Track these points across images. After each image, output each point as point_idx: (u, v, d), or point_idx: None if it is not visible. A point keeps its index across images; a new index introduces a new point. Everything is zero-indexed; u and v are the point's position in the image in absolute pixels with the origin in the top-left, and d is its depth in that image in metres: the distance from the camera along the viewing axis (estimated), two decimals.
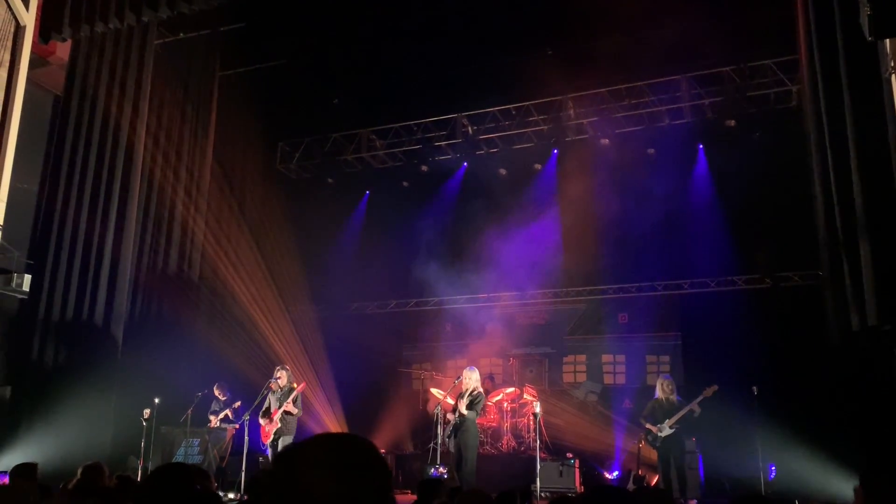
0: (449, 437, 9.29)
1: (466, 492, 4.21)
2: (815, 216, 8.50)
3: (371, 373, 13.56)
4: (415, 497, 7.33)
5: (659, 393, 9.30)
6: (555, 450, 11.23)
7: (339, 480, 1.26)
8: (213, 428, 10.78)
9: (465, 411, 9.05)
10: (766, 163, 10.99)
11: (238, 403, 10.85)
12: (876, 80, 7.59)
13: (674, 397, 9.19)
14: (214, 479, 6.33)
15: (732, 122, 11.68)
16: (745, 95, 11.46)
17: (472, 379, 9.34)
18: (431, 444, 10.05)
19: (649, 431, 9.11)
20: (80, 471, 4.72)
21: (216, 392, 11.01)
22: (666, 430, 8.97)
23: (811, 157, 8.51)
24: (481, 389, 9.40)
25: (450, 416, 9.32)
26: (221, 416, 10.86)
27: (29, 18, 9.76)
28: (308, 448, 1.32)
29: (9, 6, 9.44)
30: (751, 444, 8.94)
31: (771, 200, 11.09)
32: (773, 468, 9.09)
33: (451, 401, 10.24)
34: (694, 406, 8.91)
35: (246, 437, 9.53)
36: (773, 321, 11.14)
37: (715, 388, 8.91)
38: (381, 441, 12.87)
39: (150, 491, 2.70)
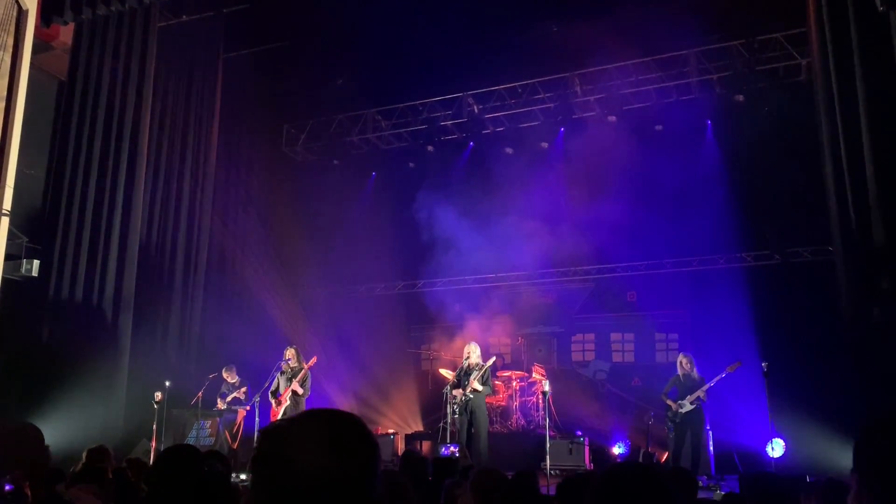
0: (457, 414, 9.30)
1: (482, 470, 4.18)
2: (825, 191, 8.42)
3: (380, 353, 13.59)
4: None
5: (678, 369, 9.31)
6: (564, 428, 11.25)
7: (325, 455, 1.26)
8: (224, 409, 10.84)
9: (479, 387, 9.08)
10: (776, 137, 10.89)
11: (244, 389, 10.88)
12: (888, 52, 7.49)
13: (694, 373, 9.20)
14: None
15: (741, 97, 11.54)
16: (753, 70, 11.33)
17: (475, 353, 9.39)
18: (441, 423, 10.08)
19: (669, 408, 9.15)
20: (84, 454, 4.75)
21: (225, 375, 11.01)
22: (686, 406, 9.00)
23: (821, 131, 8.41)
24: (483, 362, 9.42)
25: (456, 392, 9.33)
26: (229, 398, 10.89)
27: (31, 2, 9.73)
28: (295, 423, 1.32)
29: None
30: (761, 420, 8.93)
31: (780, 175, 10.99)
32: (784, 444, 9.08)
33: (447, 373, 10.32)
34: (712, 384, 8.94)
35: (257, 419, 9.58)
36: (783, 297, 11.08)
37: (739, 363, 8.91)
38: (391, 421, 12.94)
39: (160, 471, 2.71)
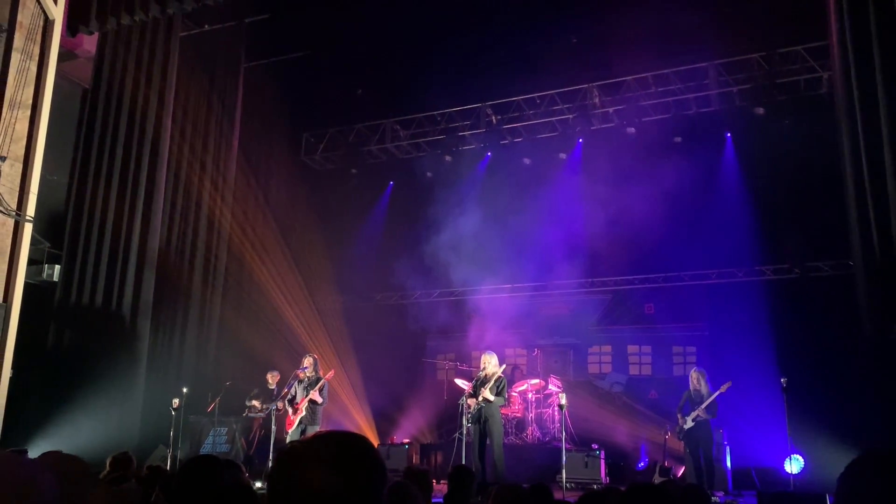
0: (471, 424, 9.21)
1: (502, 487, 4.16)
2: (845, 205, 8.35)
3: (395, 363, 13.60)
4: (440, 486, 7.35)
5: (690, 385, 9.23)
6: (580, 441, 11.19)
7: (334, 474, 1.36)
8: (241, 416, 10.88)
9: (490, 397, 8.99)
10: (796, 151, 10.81)
11: (281, 404, 10.81)
12: None
13: (703, 388, 9.07)
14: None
15: (761, 110, 11.47)
16: (774, 82, 11.26)
17: (492, 364, 9.28)
18: (457, 435, 10.05)
19: (678, 423, 9.09)
20: (108, 462, 4.77)
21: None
22: (689, 421, 8.91)
23: (842, 144, 8.35)
24: (501, 374, 9.32)
25: (471, 402, 9.24)
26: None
27: (57, 12, 9.86)
28: (309, 445, 1.43)
29: (38, 1, 9.55)
30: (779, 436, 8.84)
31: (800, 189, 10.92)
32: (803, 461, 8.99)
33: (462, 383, 10.28)
34: (709, 401, 8.83)
35: (273, 426, 9.61)
36: (802, 312, 10.98)
37: (728, 383, 8.82)
38: (406, 431, 12.93)
39: (181, 484, 2.73)
